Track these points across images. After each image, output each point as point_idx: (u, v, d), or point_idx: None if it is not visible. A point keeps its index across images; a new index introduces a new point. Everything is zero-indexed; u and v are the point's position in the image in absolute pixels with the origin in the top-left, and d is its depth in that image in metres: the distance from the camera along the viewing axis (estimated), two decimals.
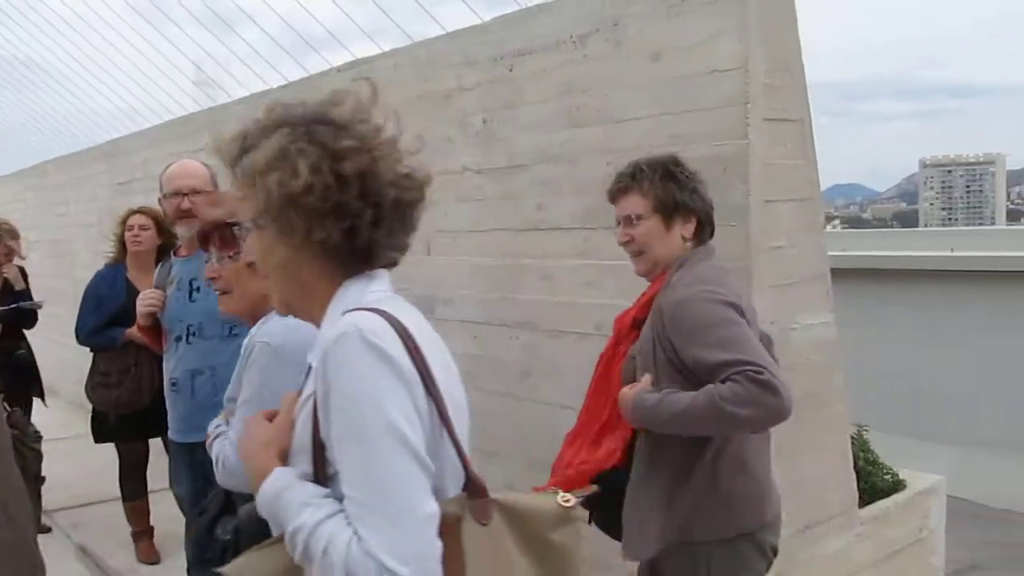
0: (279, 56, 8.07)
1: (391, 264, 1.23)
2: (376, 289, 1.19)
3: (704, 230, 2.17)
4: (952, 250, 5.30)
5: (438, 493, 1.06)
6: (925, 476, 3.50)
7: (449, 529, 1.05)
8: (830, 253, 5.07)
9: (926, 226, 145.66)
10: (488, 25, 3.50)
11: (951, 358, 5.06)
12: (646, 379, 2.02)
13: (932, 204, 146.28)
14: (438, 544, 1.02)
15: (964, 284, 4.95)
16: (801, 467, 2.74)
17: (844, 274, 5.22)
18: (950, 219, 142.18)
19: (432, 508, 1.02)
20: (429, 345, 1.15)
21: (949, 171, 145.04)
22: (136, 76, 10.43)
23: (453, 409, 1.14)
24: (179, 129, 5.84)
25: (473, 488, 1.11)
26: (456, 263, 3.65)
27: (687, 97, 2.61)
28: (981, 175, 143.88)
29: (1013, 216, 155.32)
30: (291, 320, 1.30)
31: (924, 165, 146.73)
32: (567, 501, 1.17)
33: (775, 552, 2.12)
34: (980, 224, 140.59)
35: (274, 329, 1.83)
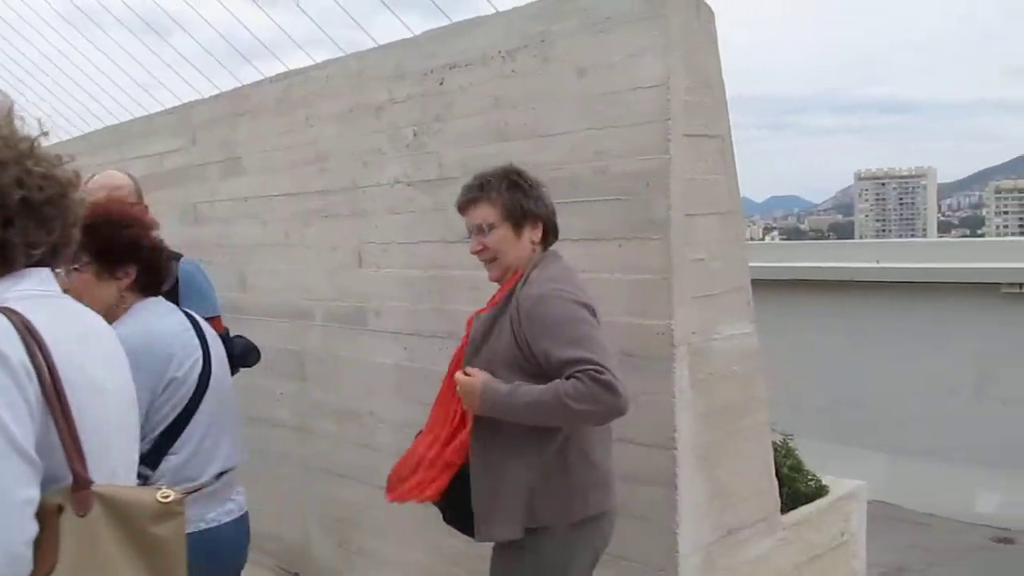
0: (212, 66, 7.99)
1: (44, 263, 1.27)
2: (24, 288, 1.22)
3: (549, 235, 2.34)
4: (878, 262, 5.43)
5: (53, 483, 1.13)
6: (847, 482, 3.60)
7: (48, 518, 1.11)
8: (767, 264, 5.21)
9: (861, 237, 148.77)
10: (419, 39, 3.52)
11: (879, 367, 5.18)
12: (479, 371, 2.17)
13: (867, 216, 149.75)
14: (30, 528, 1.08)
15: (891, 295, 5.07)
16: (723, 474, 2.80)
17: (780, 285, 5.32)
18: (884, 230, 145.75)
19: (27, 495, 1.08)
20: (74, 344, 1.22)
21: (883, 184, 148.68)
22: (64, 83, 10.23)
23: (92, 404, 1.20)
24: (106, 138, 5.73)
25: (76, 480, 1.16)
26: (387, 275, 3.66)
27: (611, 113, 2.66)
28: (913, 188, 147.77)
29: (943, 227, 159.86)
30: None
31: (859, 178, 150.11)
32: (166, 497, 1.23)
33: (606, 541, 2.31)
34: (912, 235, 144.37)
35: None
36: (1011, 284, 4.64)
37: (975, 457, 4.85)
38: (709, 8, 2.70)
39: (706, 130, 2.67)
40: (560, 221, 2.36)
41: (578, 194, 2.74)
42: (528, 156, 2.91)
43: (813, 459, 3.64)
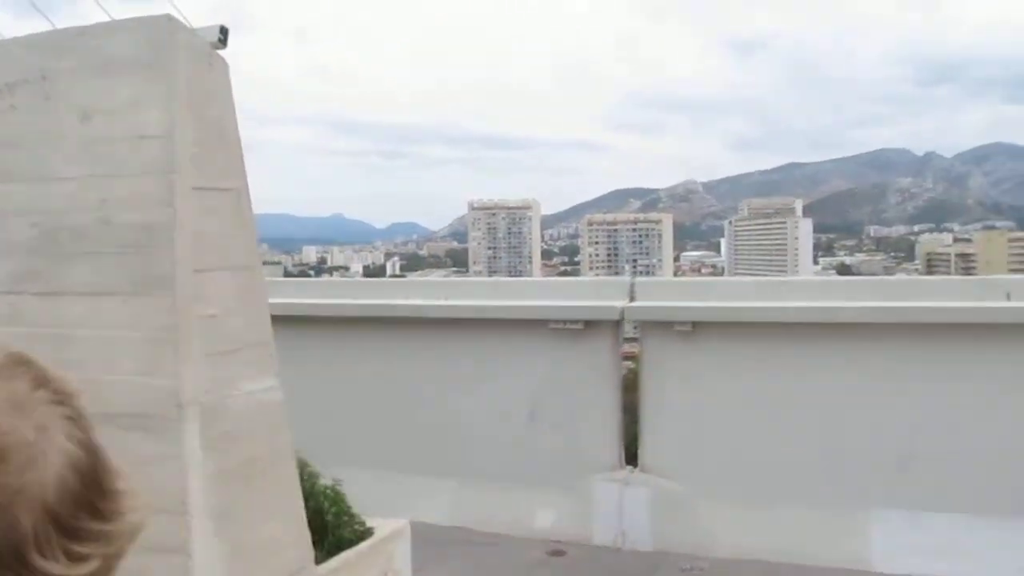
0: None
1: None
2: None
3: None
4: (447, 299, 5.73)
5: None
6: (391, 522, 3.69)
7: None
8: (330, 301, 5.12)
9: (475, 263, 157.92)
10: None
11: (447, 399, 5.42)
12: None
13: (480, 243, 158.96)
14: None
15: (451, 330, 5.34)
16: (245, 533, 2.73)
17: (340, 323, 5.41)
18: (495, 257, 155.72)
19: None
20: None
21: (494, 214, 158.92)
22: None
23: None
24: None
25: None
26: None
27: (115, 160, 2.50)
28: (520, 218, 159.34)
29: (546, 255, 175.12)
30: None
31: (473, 207, 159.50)
32: None
33: None
34: (520, 261, 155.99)
35: None
36: (556, 321, 5.05)
37: (531, 478, 5.21)
38: (223, 60, 2.63)
39: (218, 183, 2.59)
40: (63, 272, 2.15)
41: (83, 245, 2.53)
42: (30, 202, 2.64)
43: (386, 495, 3.68)
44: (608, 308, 5.03)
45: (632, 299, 5.11)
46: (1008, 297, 4.41)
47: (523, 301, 5.47)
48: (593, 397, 5.15)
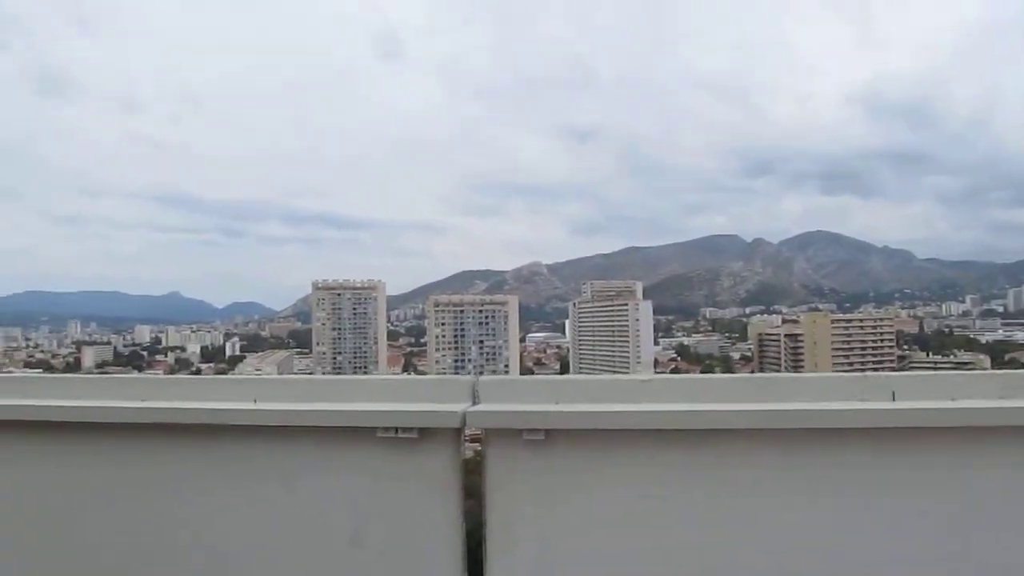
0: None
1: None
2: None
3: None
4: (256, 401, 4.85)
5: None
6: None
7: None
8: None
9: (319, 343, 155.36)
10: None
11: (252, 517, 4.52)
12: None
13: (324, 324, 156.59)
14: None
15: (270, 438, 4.47)
16: None
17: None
18: (339, 338, 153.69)
19: None
20: None
21: (339, 294, 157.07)
22: None
23: None
24: None
25: None
26: None
27: None
28: (366, 299, 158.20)
29: (392, 335, 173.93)
30: None
31: (316, 287, 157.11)
32: None
33: None
34: (365, 342, 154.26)
35: None
36: (385, 428, 4.26)
37: None
38: None
39: None
40: None
41: None
42: None
43: None
44: (447, 414, 4.25)
45: (475, 401, 4.36)
46: (893, 397, 3.94)
47: (342, 405, 4.63)
48: (429, 518, 4.35)
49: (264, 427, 4.45)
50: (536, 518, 4.18)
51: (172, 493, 4.51)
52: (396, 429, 4.22)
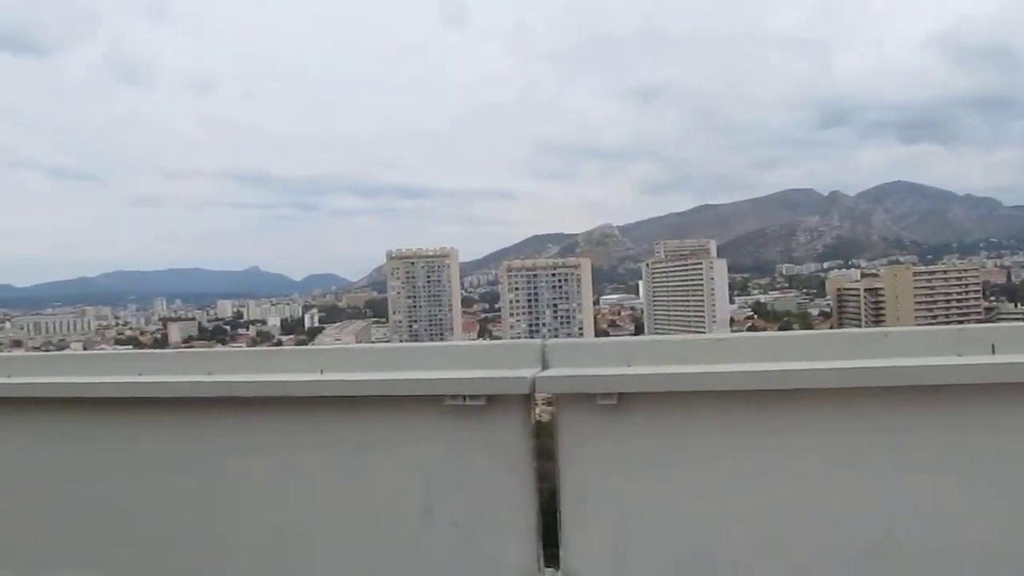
0: None
1: None
2: None
3: None
4: (322, 372, 4.75)
5: None
6: None
7: None
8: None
9: (395, 312, 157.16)
10: None
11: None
12: None
13: (399, 293, 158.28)
14: None
15: (309, 414, 4.37)
16: None
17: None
18: (415, 306, 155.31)
19: None
20: None
21: (412, 263, 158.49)
22: None
23: None
24: None
25: None
26: None
27: None
28: (439, 266, 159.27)
29: (467, 302, 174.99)
30: None
31: (390, 257, 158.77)
32: None
33: None
34: (440, 309, 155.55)
35: None
36: (452, 396, 4.12)
37: None
38: None
39: None
40: None
41: None
42: None
43: None
44: (515, 380, 4.08)
45: (545, 366, 4.18)
46: (993, 350, 3.64)
47: (409, 373, 4.49)
48: (501, 488, 4.20)
49: (331, 398, 4.35)
50: (611, 486, 4.00)
51: (240, 467, 4.44)
52: (464, 397, 4.07)
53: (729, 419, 3.84)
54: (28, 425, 4.72)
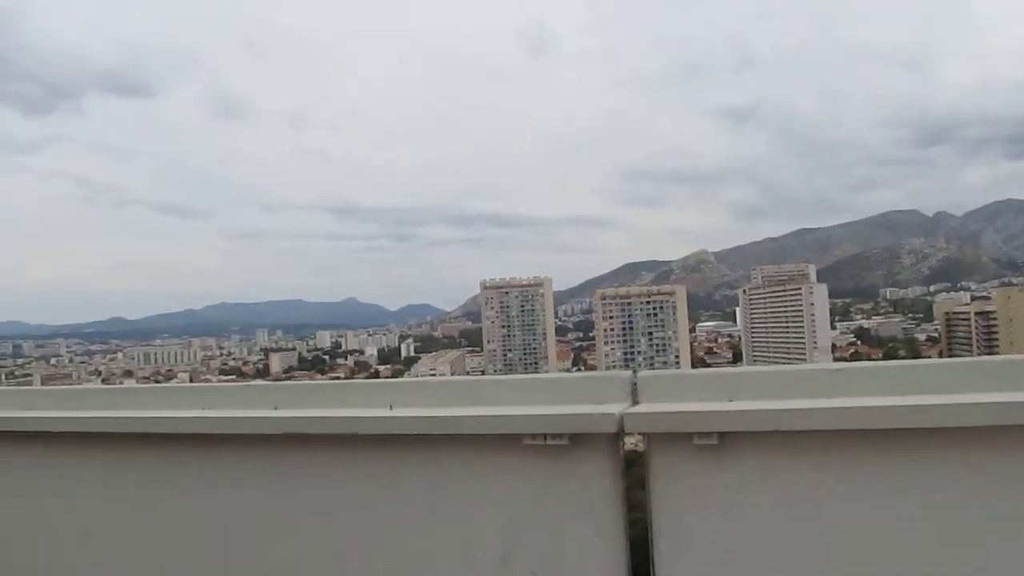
0: None
1: None
2: None
3: None
4: (391, 407, 4.42)
5: None
6: None
7: None
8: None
9: (489, 342, 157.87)
10: None
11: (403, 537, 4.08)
12: None
13: (493, 322, 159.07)
14: None
15: (382, 452, 4.03)
16: None
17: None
18: (509, 335, 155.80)
19: None
20: None
21: (506, 292, 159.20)
22: None
23: None
24: None
25: None
26: None
27: None
28: (532, 296, 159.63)
29: (560, 331, 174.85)
30: None
31: (484, 287, 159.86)
32: None
33: None
34: (534, 339, 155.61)
35: None
36: (532, 435, 3.71)
37: None
38: None
39: None
40: None
41: None
42: None
43: None
44: (601, 417, 3.62)
45: (635, 400, 3.72)
46: None
47: (484, 409, 4.08)
48: (587, 534, 3.75)
49: (400, 435, 3.99)
50: (711, 536, 3.51)
51: (305, 508, 4.12)
52: (544, 436, 3.66)
53: (850, 461, 3.32)
54: (96, 462, 4.55)
